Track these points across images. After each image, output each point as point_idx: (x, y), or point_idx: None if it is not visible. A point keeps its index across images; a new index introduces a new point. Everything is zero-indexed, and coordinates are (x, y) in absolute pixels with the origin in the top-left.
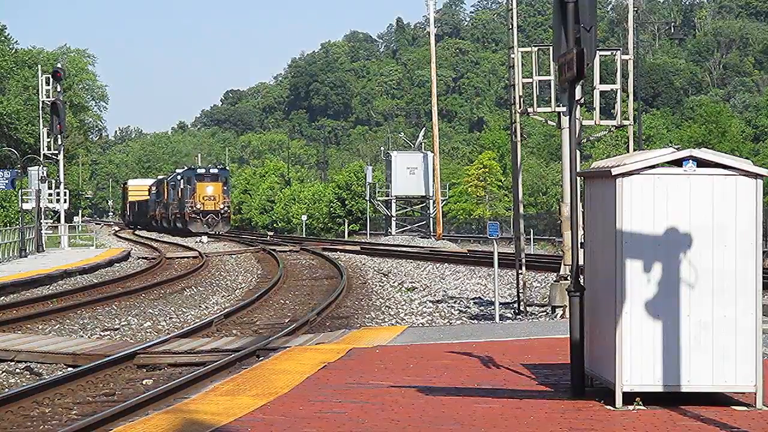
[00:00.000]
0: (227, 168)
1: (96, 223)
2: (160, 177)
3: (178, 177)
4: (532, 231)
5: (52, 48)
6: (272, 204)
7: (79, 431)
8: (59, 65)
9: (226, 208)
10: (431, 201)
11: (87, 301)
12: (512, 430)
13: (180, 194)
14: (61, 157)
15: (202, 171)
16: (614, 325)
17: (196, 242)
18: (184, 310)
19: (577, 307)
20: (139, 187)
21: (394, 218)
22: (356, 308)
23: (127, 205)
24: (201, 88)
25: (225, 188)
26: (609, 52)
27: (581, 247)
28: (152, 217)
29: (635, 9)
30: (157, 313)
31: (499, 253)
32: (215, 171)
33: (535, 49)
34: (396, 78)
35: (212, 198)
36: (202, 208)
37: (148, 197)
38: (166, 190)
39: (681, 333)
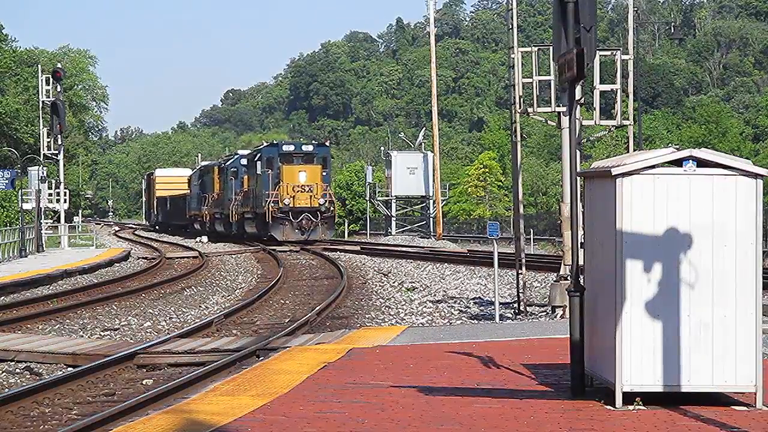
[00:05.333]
0: (327, 144)
1: (96, 223)
2: (205, 164)
3: (243, 161)
4: (532, 231)
5: (52, 48)
6: None
7: (79, 431)
8: (59, 65)
9: (327, 204)
10: (431, 201)
11: (87, 301)
12: (512, 430)
13: (253, 184)
14: (61, 157)
15: (290, 148)
16: (614, 325)
17: (196, 242)
18: (184, 310)
19: (577, 307)
20: (171, 179)
21: (394, 218)
22: (356, 308)
23: (154, 202)
24: (201, 88)
25: (325, 174)
26: (609, 52)
27: (581, 247)
28: (194, 218)
29: (635, 9)
30: (157, 313)
31: (499, 253)
32: (309, 148)
33: (535, 49)
34: (396, 78)
35: (307, 188)
36: (291, 205)
37: (187, 191)
38: (218, 180)
39: (681, 333)
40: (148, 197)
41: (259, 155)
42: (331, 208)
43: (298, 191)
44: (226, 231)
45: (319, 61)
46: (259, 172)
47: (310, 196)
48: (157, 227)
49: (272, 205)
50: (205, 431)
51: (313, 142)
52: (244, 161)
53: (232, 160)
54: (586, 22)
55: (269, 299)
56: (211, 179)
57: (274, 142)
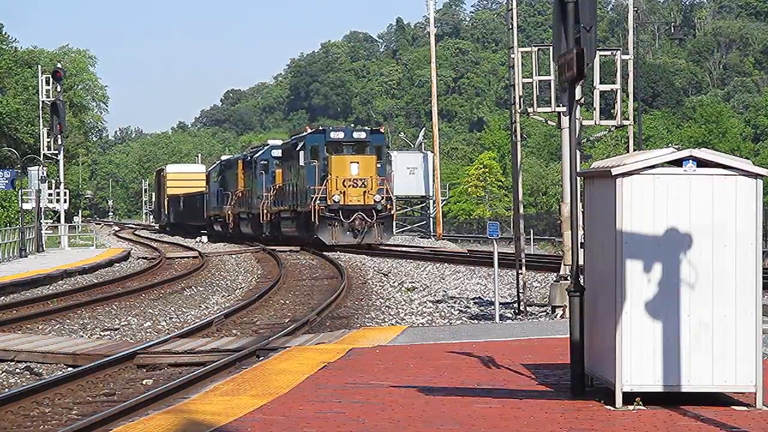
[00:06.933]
0: (382, 131)
1: (96, 223)
2: (226, 158)
3: (276, 152)
4: (532, 231)
5: (52, 48)
6: None
7: (79, 431)
8: (59, 65)
9: (384, 202)
10: (431, 201)
11: (87, 301)
12: (512, 430)
13: (291, 178)
14: (61, 157)
15: (339, 135)
16: (614, 325)
17: (196, 242)
18: (184, 310)
19: (577, 307)
20: (185, 176)
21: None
22: (356, 308)
23: (165, 201)
24: (201, 88)
25: (380, 165)
26: (609, 52)
27: (581, 247)
28: (215, 219)
29: (635, 9)
30: (157, 313)
31: (499, 253)
32: (362, 135)
33: (535, 49)
34: (396, 78)
35: (360, 183)
36: (341, 202)
37: (204, 189)
38: (243, 175)
39: (681, 333)
40: (158, 196)
41: (302, 144)
42: (389, 206)
43: (349, 186)
44: (254, 233)
45: (319, 61)
46: (301, 163)
47: (364, 192)
48: (168, 228)
49: (319, 202)
50: (205, 431)
51: (366, 128)
52: (276, 152)
53: (261, 151)
54: (586, 22)
55: (269, 299)
56: (233, 175)
57: (320, 128)
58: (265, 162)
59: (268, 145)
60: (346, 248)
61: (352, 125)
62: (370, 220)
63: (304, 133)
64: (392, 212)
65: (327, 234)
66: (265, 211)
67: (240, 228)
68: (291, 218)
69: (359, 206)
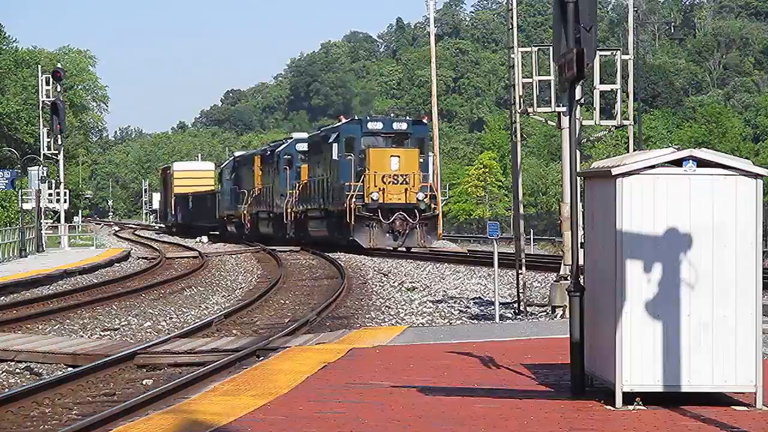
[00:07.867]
0: (425, 122)
1: (96, 223)
2: (240, 153)
3: (301, 146)
4: (532, 231)
5: (52, 48)
6: None
7: (79, 431)
8: (59, 65)
9: (427, 200)
10: None
11: (87, 301)
12: (512, 430)
13: (320, 173)
14: (61, 157)
15: (378, 126)
16: (614, 325)
17: (196, 242)
18: (184, 310)
19: (577, 307)
20: (193, 173)
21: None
22: (356, 308)
23: (172, 200)
24: (201, 88)
25: (422, 160)
26: (609, 52)
27: (581, 247)
28: (229, 219)
29: (635, 9)
30: (157, 313)
31: (499, 253)
32: (403, 126)
33: (535, 49)
34: (396, 78)
35: (401, 179)
36: (380, 200)
37: (215, 187)
38: (261, 171)
39: (681, 333)
40: (164, 195)
41: (335, 135)
42: (433, 205)
43: (389, 182)
44: (275, 234)
45: (319, 61)
46: (335, 157)
47: (406, 189)
48: (174, 229)
49: (355, 200)
50: (205, 431)
51: (407, 118)
52: (302, 146)
53: (284, 145)
54: (586, 22)
55: (269, 299)
56: (249, 172)
57: (356, 117)
58: (289, 157)
59: (292, 138)
60: (384, 251)
61: (392, 115)
62: (412, 221)
63: (338, 124)
64: (437, 212)
65: (364, 236)
66: (289, 210)
67: (258, 228)
68: (320, 218)
69: (400, 205)
